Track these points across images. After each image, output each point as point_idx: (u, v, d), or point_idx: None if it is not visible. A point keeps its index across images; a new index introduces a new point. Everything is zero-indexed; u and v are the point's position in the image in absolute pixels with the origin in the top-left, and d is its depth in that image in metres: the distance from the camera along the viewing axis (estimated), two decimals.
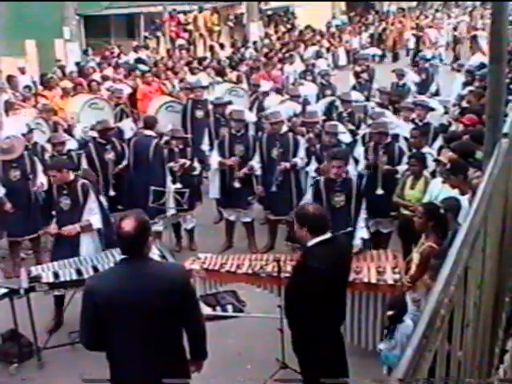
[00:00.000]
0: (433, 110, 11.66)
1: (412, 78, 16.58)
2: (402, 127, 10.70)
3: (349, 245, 6.02)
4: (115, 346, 4.45)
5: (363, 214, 8.33)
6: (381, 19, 32.57)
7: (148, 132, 10.75)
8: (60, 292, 7.71)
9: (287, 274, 6.84)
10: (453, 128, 11.84)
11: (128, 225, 4.35)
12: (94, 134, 10.87)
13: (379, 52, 27.40)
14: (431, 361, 1.96)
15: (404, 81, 15.47)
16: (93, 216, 8.11)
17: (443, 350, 2.15)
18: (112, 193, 10.24)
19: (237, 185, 10.18)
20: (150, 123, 10.98)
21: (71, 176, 8.18)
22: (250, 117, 12.31)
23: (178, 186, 10.12)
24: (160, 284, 4.40)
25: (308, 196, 8.51)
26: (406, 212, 8.51)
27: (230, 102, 12.43)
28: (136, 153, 10.53)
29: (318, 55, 20.72)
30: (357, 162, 9.76)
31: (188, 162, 10.36)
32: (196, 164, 10.54)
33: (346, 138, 10.57)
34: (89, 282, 4.62)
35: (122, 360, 4.47)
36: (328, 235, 5.58)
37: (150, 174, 10.27)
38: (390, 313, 6.26)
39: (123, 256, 4.50)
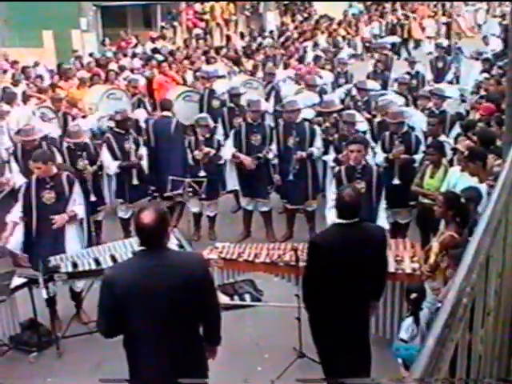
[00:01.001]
0: (449, 98, 11.58)
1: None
2: (417, 117, 10.67)
3: (378, 235, 5.94)
4: (133, 335, 4.47)
5: (383, 204, 8.32)
6: (402, 7, 32.17)
7: (165, 113, 11.23)
8: (78, 285, 7.83)
9: (305, 263, 6.86)
10: (470, 116, 11.76)
11: (147, 217, 4.35)
12: (112, 123, 10.88)
13: (398, 40, 27.16)
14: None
15: (416, 69, 15.36)
16: (77, 206, 8.03)
17: (464, 339, 2.12)
18: (135, 182, 10.24)
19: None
20: (167, 106, 11.53)
21: (54, 169, 8.05)
22: (267, 106, 12.27)
23: (202, 174, 10.16)
24: (179, 274, 4.41)
25: (332, 188, 8.49)
26: (425, 201, 8.46)
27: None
28: (157, 133, 10.85)
29: (335, 45, 20.64)
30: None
31: (213, 151, 10.35)
32: (222, 153, 10.49)
33: (362, 126, 10.54)
34: (108, 273, 4.63)
35: (140, 349, 4.48)
36: (348, 220, 5.60)
37: (172, 154, 10.52)
38: (414, 295, 6.26)
39: (142, 247, 4.49)
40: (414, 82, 14.69)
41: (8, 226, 8.18)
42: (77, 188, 8.10)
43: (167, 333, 4.42)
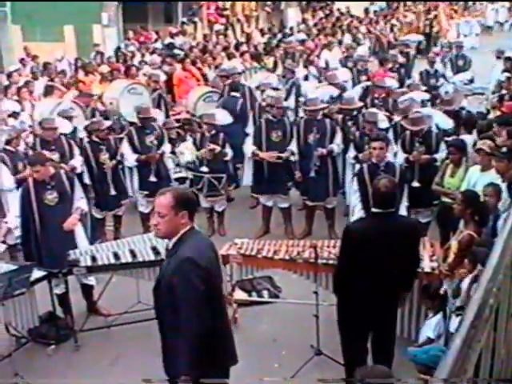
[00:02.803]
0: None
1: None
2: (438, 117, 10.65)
3: (412, 227, 6.05)
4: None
5: (405, 202, 8.31)
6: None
7: (233, 93, 12.59)
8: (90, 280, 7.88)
9: (324, 261, 6.86)
10: (491, 116, 11.67)
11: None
12: (134, 119, 10.95)
13: (421, 38, 26.92)
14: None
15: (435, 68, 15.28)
16: (81, 201, 8.04)
17: (489, 340, 2.09)
18: (153, 179, 10.27)
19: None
20: (236, 87, 12.75)
21: (52, 169, 7.97)
22: (287, 103, 12.27)
23: (205, 169, 10.24)
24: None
25: (354, 186, 8.48)
26: (445, 200, 8.43)
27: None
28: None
29: (357, 42, 20.53)
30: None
31: (218, 148, 10.34)
32: (228, 150, 10.49)
33: (383, 123, 10.51)
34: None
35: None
36: (383, 210, 5.72)
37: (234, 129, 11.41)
38: (443, 290, 6.28)
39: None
40: (433, 80, 14.61)
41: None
42: (77, 183, 8.10)
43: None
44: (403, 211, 8.31)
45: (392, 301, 5.98)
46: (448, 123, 10.70)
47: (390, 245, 5.64)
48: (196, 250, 4.46)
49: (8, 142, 9.55)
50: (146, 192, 10.32)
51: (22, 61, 18.72)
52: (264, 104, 11.62)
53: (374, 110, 10.69)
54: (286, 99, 12.71)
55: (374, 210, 5.83)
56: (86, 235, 8.28)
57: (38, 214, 7.81)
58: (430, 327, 6.38)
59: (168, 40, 22.46)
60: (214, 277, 4.49)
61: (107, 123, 10.56)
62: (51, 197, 7.82)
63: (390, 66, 15.91)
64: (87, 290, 8.16)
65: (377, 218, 5.81)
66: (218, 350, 4.49)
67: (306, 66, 16.97)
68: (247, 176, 10.76)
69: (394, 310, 6.09)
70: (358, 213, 8.09)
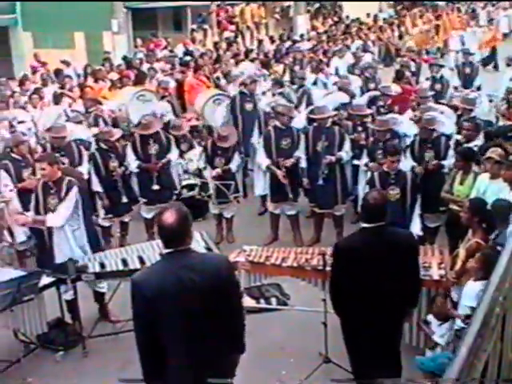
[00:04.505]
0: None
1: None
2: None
3: (406, 240, 5.93)
4: (166, 342, 4.42)
5: (417, 210, 8.30)
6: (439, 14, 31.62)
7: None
8: (101, 287, 7.92)
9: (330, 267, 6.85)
10: (500, 123, 11.65)
11: (169, 217, 4.33)
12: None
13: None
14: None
15: (441, 74, 15.23)
16: (54, 214, 7.76)
17: (496, 348, 2.09)
18: (156, 187, 10.28)
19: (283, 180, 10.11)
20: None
21: (59, 173, 7.93)
22: (298, 110, 12.28)
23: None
24: (205, 276, 4.38)
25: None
26: (454, 207, 8.40)
27: None
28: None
29: (364, 49, 20.52)
30: None
31: (220, 171, 10.37)
32: (234, 162, 10.49)
33: (407, 129, 10.55)
34: (136, 278, 4.51)
35: (168, 352, 4.46)
36: (372, 224, 5.57)
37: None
38: (455, 297, 6.26)
39: (167, 250, 4.44)
40: (439, 86, 14.59)
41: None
42: (71, 194, 7.78)
43: (195, 336, 4.39)
44: (416, 219, 8.32)
45: (396, 316, 5.90)
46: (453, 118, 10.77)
47: (383, 260, 5.53)
48: (149, 275, 4.50)
49: (12, 150, 9.59)
50: (145, 200, 10.38)
51: (33, 68, 18.84)
52: (272, 111, 11.60)
53: (384, 117, 10.61)
54: (296, 107, 12.71)
55: (363, 224, 5.72)
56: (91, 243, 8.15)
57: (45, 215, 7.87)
58: (439, 334, 6.36)
59: (180, 48, 22.52)
60: (167, 306, 4.34)
61: (118, 133, 10.56)
62: (54, 202, 7.82)
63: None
64: (99, 296, 8.19)
65: (366, 232, 5.67)
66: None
67: (314, 73, 16.95)
68: (259, 186, 10.73)
69: (396, 326, 6.02)
70: None
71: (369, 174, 9.45)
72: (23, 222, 7.97)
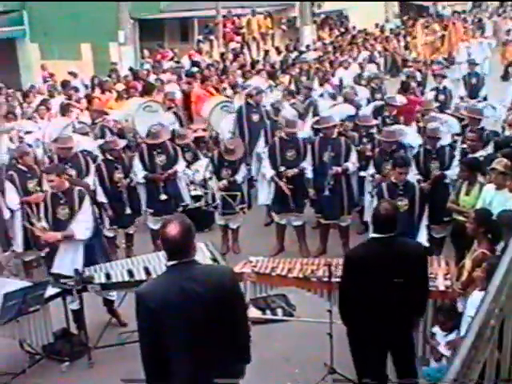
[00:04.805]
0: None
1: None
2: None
3: (416, 251, 5.95)
4: (171, 354, 4.40)
5: (425, 221, 8.29)
6: (445, 24, 31.44)
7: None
8: (111, 296, 7.91)
9: (338, 279, 6.84)
10: (506, 133, 11.63)
11: (173, 229, 4.33)
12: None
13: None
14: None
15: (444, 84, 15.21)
16: (78, 226, 7.90)
17: (493, 359, 2.08)
18: (163, 197, 10.31)
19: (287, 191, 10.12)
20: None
21: (67, 183, 8.05)
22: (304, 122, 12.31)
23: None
24: (210, 288, 4.38)
25: (374, 204, 8.47)
26: (459, 218, 8.38)
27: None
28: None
29: (371, 59, 20.54)
30: None
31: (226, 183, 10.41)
32: (239, 173, 10.52)
33: (412, 140, 10.56)
34: (140, 291, 4.52)
35: (172, 364, 4.46)
36: (383, 235, 5.61)
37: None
38: (460, 307, 6.26)
39: (171, 262, 4.44)
40: (443, 97, 14.58)
41: None
42: (86, 204, 7.99)
43: (200, 348, 4.37)
44: (423, 230, 8.31)
45: (405, 326, 5.88)
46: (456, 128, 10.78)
47: (393, 270, 5.55)
48: (153, 288, 4.50)
49: (18, 161, 9.64)
50: (151, 210, 10.42)
51: (45, 78, 18.96)
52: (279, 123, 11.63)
53: (391, 128, 10.59)
54: (302, 118, 12.72)
55: (373, 235, 5.77)
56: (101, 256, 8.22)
57: (53, 227, 7.96)
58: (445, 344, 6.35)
59: (187, 59, 22.57)
60: (171, 318, 4.33)
61: (122, 143, 10.60)
62: (63, 212, 7.94)
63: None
64: (109, 304, 8.24)
65: (377, 243, 5.70)
66: None
67: (321, 84, 16.97)
68: (263, 195, 10.74)
69: (407, 335, 6.01)
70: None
71: (374, 184, 9.50)
72: (54, 240, 7.94)
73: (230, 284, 4.58)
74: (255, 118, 12.75)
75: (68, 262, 7.84)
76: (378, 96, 14.95)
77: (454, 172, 9.30)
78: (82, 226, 7.90)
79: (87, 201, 8.01)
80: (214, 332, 4.41)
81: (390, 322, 5.61)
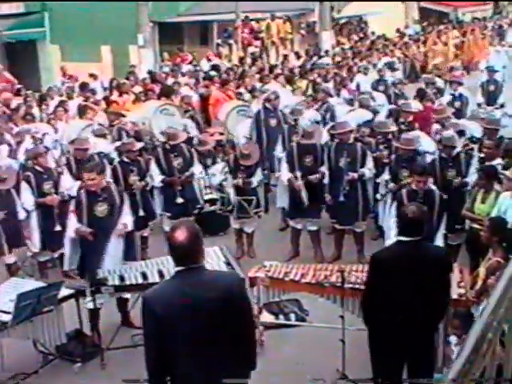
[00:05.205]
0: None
1: None
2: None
3: (441, 256, 5.97)
4: (176, 360, 4.41)
5: (442, 230, 8.26)
6: (464, 30, 31.23)
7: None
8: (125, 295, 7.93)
9: (351, 285, 6.85)
10: None
11: (181, 235, 4.31)
12: (163, 138, 11.06)
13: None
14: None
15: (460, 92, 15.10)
16: (128, 218, 8.25)
17: (492, 367, 2.06)
18: (179, 200, 10.34)
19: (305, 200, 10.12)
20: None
21: (104, 181, 8.25)
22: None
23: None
24: (217, 294, 4.36)
25: (392, 210, 8.45)
26: (474, 226, 8.35)
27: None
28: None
29: (390, 65, 20.44)
30: None
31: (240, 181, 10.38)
32: (255, 177, 10.50)
33: (427, 146, 10.52)
34: (147, 295, 4.53)
35: (178, 370, 4.45)
36: (410, 238, 5.63)
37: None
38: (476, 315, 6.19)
39: (178, 268, 4.42)
40: (458, 104, 14.48)
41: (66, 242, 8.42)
42: (127, 199, 8.30)
43: (206, 353, 4.37)
44: (440, 239, 8.28)
45: (427, 331, 5.87)
46: (479, 132, 10.83)
47: (418, 274, 5.55)
48: (160, 293, 4.49)
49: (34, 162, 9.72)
50: (169, 214, 10.43)
51: (70, 78, 19.11)
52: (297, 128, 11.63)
53: (409, 135, 10.55)
54: (318, 123, 12.72)
55: (400, 238, 5.77)
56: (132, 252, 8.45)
57: (88, 225, 8.07)
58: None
59: (205, 63, 22.63)
60: (176, 323, 4.32)
61: (139, 145, 10.67)
62: (101, 209, 8.08)
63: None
64: (122, 302, 8.25)
65: (404, 246, 5.71)
66: None
67: (338, 90, 16.97)
68: (281, 198, 10.73)
69: (429, 340, 5.98)
70: (393, 239, 8.01)
71: (387, 190, 9.50)
72: (122, 233, 8.18)
73: (238, 291, 4.56)
74: (273, 122, 12.74)
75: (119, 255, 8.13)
76: (401, 102, 14.87)
77: (471, 179, 9.28)
78: (130, 218, 8.26)
79: (126, 195, 8.36)
80: (220, 338, 4.40)
81: (413, 325, 5.61)
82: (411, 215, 5.66)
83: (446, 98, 14.98)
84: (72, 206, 8.21)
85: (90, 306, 7.75)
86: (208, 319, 4.33)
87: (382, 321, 5.72)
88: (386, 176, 9.87)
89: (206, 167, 11.61)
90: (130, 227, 8.29)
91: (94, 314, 7.89)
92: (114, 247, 8.12)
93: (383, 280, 5.64)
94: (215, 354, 4.40)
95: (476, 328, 1.86)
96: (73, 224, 8.14)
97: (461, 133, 10.82)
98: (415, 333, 5.66)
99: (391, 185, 9.67)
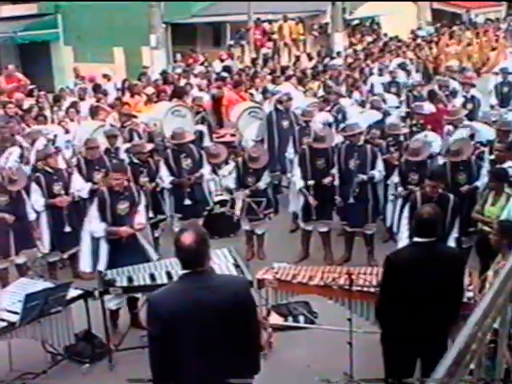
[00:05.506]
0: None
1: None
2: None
3: (457, 257, 5.99)
4: (180, 363, 4.42)
5: (455, 234, 8.23)
6: (477, 32, 31.01)
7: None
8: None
9: (359, 288, 6.83)
10: None
11: (188, 238, 4.32)
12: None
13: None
14: None
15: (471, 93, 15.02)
16: (143, 216, 8.44)
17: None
18: (187, 202, 10.35)
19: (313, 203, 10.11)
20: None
21: (125, 181, 8.39)
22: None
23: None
24: (223, 297, 4.36)
25: (405, 213, 8.41)
26: (485, 228, 8.31)
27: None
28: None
29: (402, 67, 20.37)
30: None
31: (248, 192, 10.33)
32: (263, 180, 10.44)
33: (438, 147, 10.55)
34: (152, 298, 4.56)
35: (182, 374, 4.45)
36: (425, 239, 5.65)
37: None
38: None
39: (184, 271, 4.43)
40: (471, 106, 14.40)
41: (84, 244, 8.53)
42: (143, 198, 8.51)
43: (210, 357, 4.37)
44: (452, 242, 8.25)
45: (441, 332, 5.82)
46: (489, 133, 10.75)
47: (433, 275, 5.55)
48: (164, 296, 4.51)
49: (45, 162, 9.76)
50: (179, 215, 10.44)
51: (82, 79, 19.19)
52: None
53: (419, 143, 10.50)
54: (331, 125, 12.70)
55: (416, 239, 5.77)
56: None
57: (112, 222, 8.22)
58: None
59: (217, 64, 22.64)
60: (181, 326, 4.34)
61: (149, 146, 10.69)
62: (123, 207, 8.24)
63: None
64: (132, 302, 8.26)
65: (419, 247, 5.72)
66: None
67: (350, 91, 16.93)
68: (294, 202, 10.72)
69: (443, 341, 5.95)
70: (404, 240, 7.99)
71: (399, 189, 9.52)
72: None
73: (244, 295, 4.56)
74: (285, 124, 12.76)
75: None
76: (413, 104, 14.80)
77: (482, 182, 9.25)
78: (144, 217, 8.45)
79: (142, 193, 8.58)
80: (224, 342, 4.39)
81: (427, 326, 5.59)
82: (426, 216, 5.69)
83: (460, 99, 14.89)
84: (95, 206, 8.32)
85: (112, 306, 7.82)
86: (212, 323, 4.33)
87: (396, 321, 5.72)
88: (395, 179, 9.83)
89: (217, 167, 11.62)
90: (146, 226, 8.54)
91: (115, 314, 8.05)
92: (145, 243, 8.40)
93: (398, 280, 5.64)
94: (219, 357, 4.39)
95: (459, 340, 1.83)
96: (97, 224, 8.25)
97: (471, 136, 10.77)
98: (429, 334, 5.65)
99: (400, 189, 9.62)
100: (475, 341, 1.87)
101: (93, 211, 8.32)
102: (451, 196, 8.53)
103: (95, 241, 8.38)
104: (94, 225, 8.29)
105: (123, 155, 10.92)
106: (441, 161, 10.19)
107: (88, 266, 8.49)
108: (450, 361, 1.72)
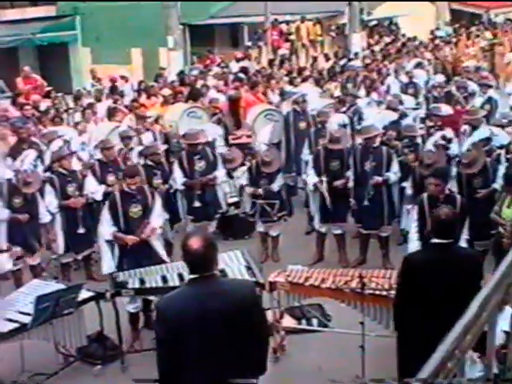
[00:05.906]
0: None
1: None
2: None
3: (475, 259, 5.96)
4: (186, 367, 4.38)
5: (465, 235, 8.17)
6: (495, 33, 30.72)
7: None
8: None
9: (371, 291, 6.79)
10: None
11: (195, 243, 4.29)
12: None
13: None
14: None
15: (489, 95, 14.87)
16: (159, 219, 8.42)
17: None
18: (197, 204, 10.34)
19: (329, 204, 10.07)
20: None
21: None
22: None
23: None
24: (230, 302, 4.34)
25: (414, 215, 8.36)
26: (501, 230, 8.25)
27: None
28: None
29: (420, 67, 20.23)
30: None
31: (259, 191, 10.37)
32: (276, 183, 10.43)
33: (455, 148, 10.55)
34: (160, 304, 4.59)
35: (191, 376, 4.42)
36: (444, 240, 5.67)
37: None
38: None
39: (192, 276, 4.41)
40: (488, 107, 14.25)
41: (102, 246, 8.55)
42: (159, 198, 8.48)
43: (217, 362, 4.35)
44: (463, 244, 8.19)
45: None
46: (506, 138, 10.77)
47: (451, 276, 5.54)
48: (173, 301, 4.50)
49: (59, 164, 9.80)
50: (191, 217, 10.42)
51: (98, 80, 19.26)
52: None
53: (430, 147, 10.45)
54: (346, 126, 12.64)
55: (434, 240, 5.75)
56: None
57: (124, 225, 8.22)
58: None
59: (234, 64, 22.61)
60: (187, 330, 4.32)
61: (163, 147, 10.69)
62: (136, 209, 8.24)
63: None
64: (147, 303, 8.26)
65: (437, 248, 5.72)
66: None
67: (368, 92, 16.82)
68: (313, 206, 10.67)
69: None
70: (413, 242, 7.96)
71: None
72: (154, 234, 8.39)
73: (252, 300, 4.54)
74: (302, 125, 12.78)
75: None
76: (431, 105, 14.70)
77: (500, 183, 9.18)
78: (161, 219, 8.47)
79: (157, 195, 8.53)
80: (229, 347, 4.36)
81: (444, 328, 5.52)
82: (444, 217, 5.70)
83: (478, 100, 14.78)
84: (106, 209, 8.34)
85: (131, 309, 7.83)
86: (219, 328, 4.31)
87: (413, 323, 5.70)
88: (409, 182, 9.75)
89: (232, 171, 11.62)
90: (159, 231, 8.49)
91: (135, 317, 8.07)
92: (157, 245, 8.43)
93: (415, 281, 5.64)
94: (223, 362, 4.37)
95: (437, 354, 1.75)
96: (107, 228, 8.29)
97: (488, 139, 10.66)
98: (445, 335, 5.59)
99: (409, 192, 9.56)
100: (452, 359, 1.81)
101: (104, 214, 8.34)
102: (458, 196, 8.49)
103: (109, 242, 8.40)
104: (103, 228, 8.30)
105: (136, 158, 10.93)
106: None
107: (110, 268, 8.49)
108: (425, 375, 1.67)
